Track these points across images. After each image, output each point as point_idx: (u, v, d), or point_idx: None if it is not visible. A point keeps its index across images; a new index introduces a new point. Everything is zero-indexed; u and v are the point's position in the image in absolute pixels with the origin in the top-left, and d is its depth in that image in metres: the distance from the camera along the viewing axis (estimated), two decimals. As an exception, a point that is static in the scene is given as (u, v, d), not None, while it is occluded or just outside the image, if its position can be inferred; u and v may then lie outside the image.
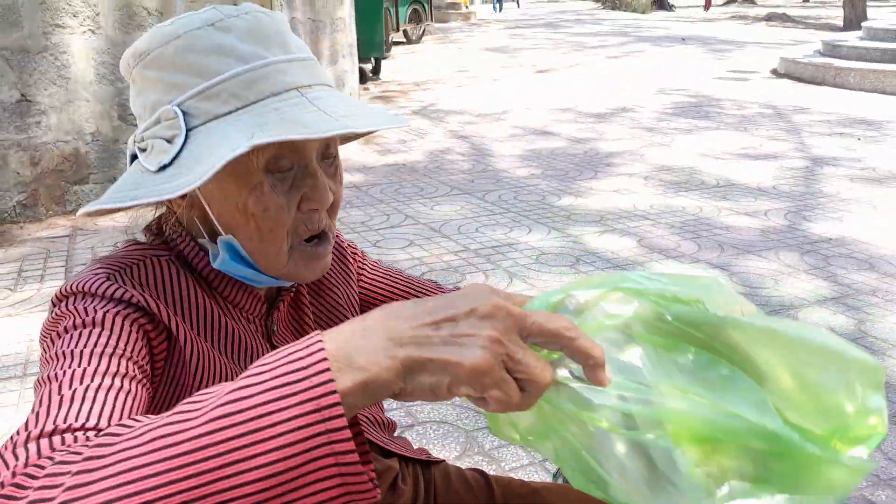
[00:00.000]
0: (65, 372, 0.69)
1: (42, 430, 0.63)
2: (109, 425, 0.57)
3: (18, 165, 4.04)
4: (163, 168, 0.75)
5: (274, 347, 0.92)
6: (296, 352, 0.51)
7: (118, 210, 0.95)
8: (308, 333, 0.95)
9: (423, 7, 13.26)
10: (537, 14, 23.80)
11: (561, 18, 20.71)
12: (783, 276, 3.17)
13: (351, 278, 1.04)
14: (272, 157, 0.77)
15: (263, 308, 0.91)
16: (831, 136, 6.03)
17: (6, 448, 0.61)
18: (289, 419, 0.48)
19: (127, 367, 0.72)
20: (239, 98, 0.74)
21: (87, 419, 0.65)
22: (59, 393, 0.67)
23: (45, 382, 0.70)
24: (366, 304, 1.06)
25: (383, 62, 9.82)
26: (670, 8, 24.89)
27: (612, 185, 4.66)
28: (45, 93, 4.08)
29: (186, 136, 0.75)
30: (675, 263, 3.30)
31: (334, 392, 0.48)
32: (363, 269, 1.08)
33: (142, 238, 0.89)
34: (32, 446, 0.61)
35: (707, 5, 23.77)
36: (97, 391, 0.68)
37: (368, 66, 9.37)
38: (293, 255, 0.82)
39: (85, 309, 0.75)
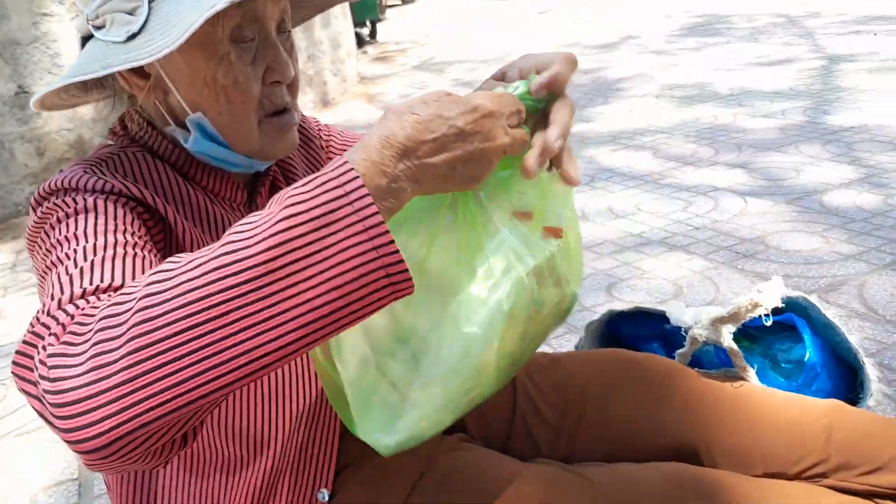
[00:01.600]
0: (74, 251, 0.66)
1: (72, 294, 0.60)
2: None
3: (26, 157, 4.06)
4: (132, 37, 0.73)
5: None
6: (331, 179, 0.56)
7: (81, 99, 0.92)
8: None
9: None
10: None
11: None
12: (805, 165, 3.06)
13: (319, 158, 1.02)
14: (236, 26, 0.75)
15: (244, 196, 0.88)
16: (846, 34, 5.80)
17: (35, 322, 0.59)
18: (343, 242, 0.54)
19: (134, 239, 0.70)
20: None
21: (113, 280, 0.63)
22: (76, 266, 0.64)
23: (52, 266, 0.66)
24: None
25: (379, 24, 9.70)
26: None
27: (623, 108, 4.54)
28: (42, 83, 4.07)
29: (150, 8, 0.73)
30: (693, 169, 3.21)
31: (376, 213, 0.55)
32: (331, 137, 1.06)
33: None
34: (69, 307, 0.58)
35: None
36: (114, 259, 0.65)
37: (365, 31, 9.26)
38: (263, 130, 0.80)
39: (74, 200, 0.72)
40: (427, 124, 0.61)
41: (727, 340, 1.10)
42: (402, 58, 8.01)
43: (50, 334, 0.56)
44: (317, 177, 0.57)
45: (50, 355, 0.53)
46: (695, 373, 1.05)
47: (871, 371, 1.24)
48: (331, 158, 1.01)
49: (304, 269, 0.53)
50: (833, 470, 0.97)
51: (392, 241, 0.55)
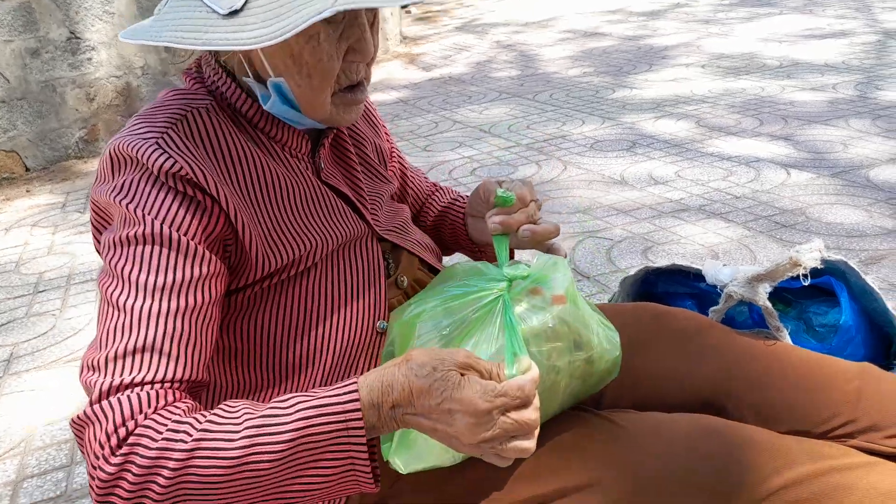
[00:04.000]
0: (135, 284, 0.75)
1: (117, 350, 0.72)
2: (177, 358, 0.73)
3: (76, 102, 4.14)
4: (233, 13, 0.73)
5: (323, 183, 0.93)
6: (340, 413, 0.70)
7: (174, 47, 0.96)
8: (355, 173, 0.97)
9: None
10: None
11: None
12: (853, 139, 3.00)
13: (379, 131, 1.09)
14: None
15: (309, 145, 0.92)
16: (906, 8, 5.61)
17: (90, 369, 0.73)
18: (336, 467, 0.71)
19: (192, 272, 0.76)
20: None
21: (161, 358, 0.74)
22: (132, 312, 0.74)
23: (110, 304, 0.75)
24: None
25: (425, -16, 9.59)
26: None
27: (668, 76, 4.46)
28: (93, 29, 4.14)
29: None
30: (735, 139, 3.16)
31: (363, 434, 0.70)
32: (388, 137, 1.13)
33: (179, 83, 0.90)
34: (114, 401, 0.71)
35: None
36: (167, 318, 0.74)
37: (410, -11, 9.18)
38: (334, 102, 0.84)
39: (144, 212, 0.76)
40: (422, 395, 0.70)
41: (763, 299, 1.11)
42: (447, 18, 7.94)
43: (106, 443, 0.69)
44: (331, 403, 0.70)
45: (100, 485, 0.69)
46: (727, 328, 1.06)
47: (906, 340, 1.23)
48: (392, 150, 1.12)
49: (305, 468, 0.70)
50: (860, 431, 0.97)
51: (369, 472, 0.71)
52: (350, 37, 0.81)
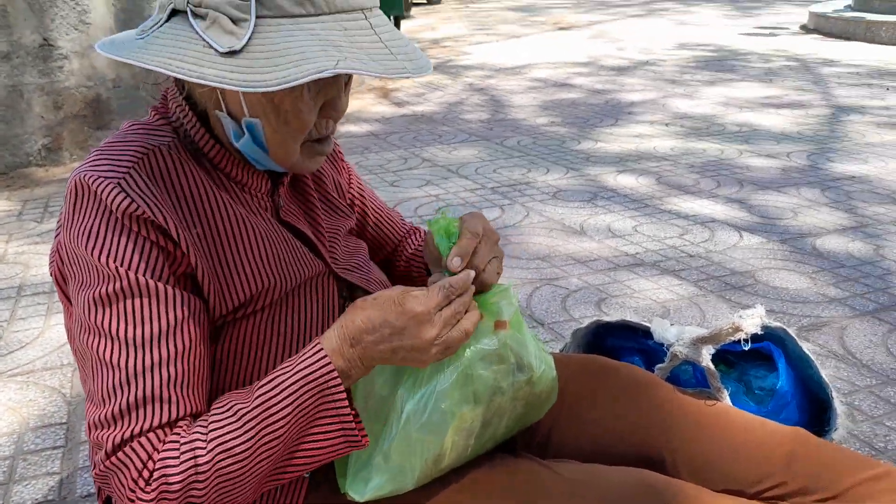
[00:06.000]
0: (123, 362, 0.78)
1: (118, 407, 0.78)
2: (172, 401, 0.78)
3: (42, 109, 4.09)
4: (231, 53, 0.74)
5: (282, 222, 0.95)
6: (312, 373, 0.81)
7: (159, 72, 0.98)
8: (314, 210, 1.00)
9: (444, -32, 13.07)
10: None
11: (585, -19, 20.31)
12: (803, 208, 3.13)
13: (337, 165, 1.13)
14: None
15: (268, 185, 0.95)
16: (859, 86, 5.89)
17: (98, 427, 0.79)
18: (326, 427, 0.82)
19: (175, 330, 0.80)
20: (312, 3, 0.75)
21: (154, 408, 0.79)
22: (118, 368, 0.78)
23: (102, 363, 0.79)
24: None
25: (403, 22, 9.75)
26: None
27: (632, 132, 4.61)
28: (67, 38, 4.11)
29: (255, 25, 0.74)
30: (693, 199, 3.28)
31: (344, 399, 0.81)
32: (346, 164, 1.17)
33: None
34: (128, 450, 0.77)
35: None
36: (153, 369, 0.78)
37: (388, 25, 9.31)
38: (302, 151, 0.88)
39: (116, 264, 0.78)
40: (371, 321, 0.81)
41: (706, 360, 1.16)
42: (421, 56, 8.06)
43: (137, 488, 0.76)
44: (303, 366, 0.81)
45: None
46: (670, 386, 1.10)
47: (839, 407, 1.30)
48: (350, 182, 1.16)
49: (303, 430, 0.81)
50: (791, 494, 1.02)
51: (349, 413, 0.81)
52: (328, 93, 0.85)
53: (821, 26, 9.29)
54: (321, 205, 1.04)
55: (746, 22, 10.35)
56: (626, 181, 3.57)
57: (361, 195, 1.18)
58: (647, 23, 10.62)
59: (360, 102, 5.63)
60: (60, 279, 0.89)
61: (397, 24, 9.52)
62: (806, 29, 9.50)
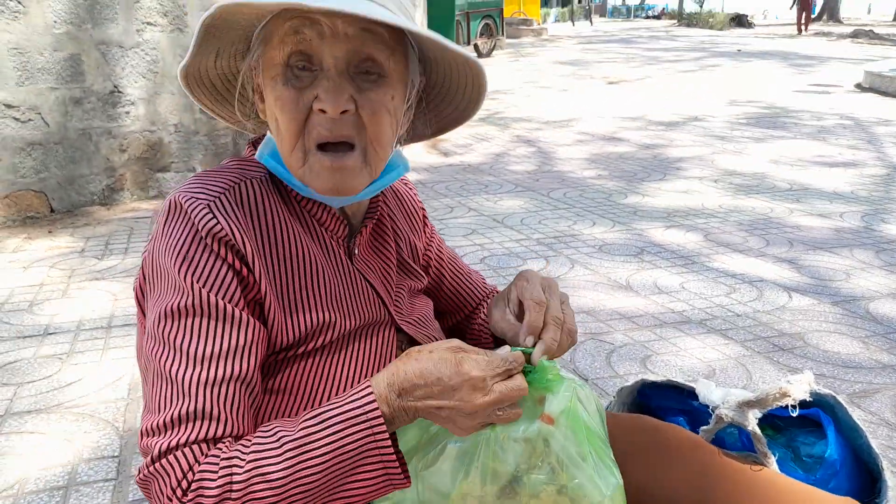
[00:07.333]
0: (181, 375, 0.81)
1: (170, 417, 0.80)
2: (227, 424, 0.80)
3: (108, 152, 4.29)
4: None
5: (354, 266, 0.98)
6: (358, 415, 0.80)
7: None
8: (388, 264, 1.02)
9: (495, 22, 13.39)
10: (610, 30, 23.66)
11: (634, 35, 20.53)
12: (856, 270, 3.07)
13: (418, 232, 1.14)
14: (291, 52, 0.84)
15: (345, 230, 0.97)
16: (915, 145, 5.79)
17: (148, 434, 0.81)
18: (370, 467, 0.80)
19: (236, 353, 0.83)
20: None
21: (211, 422, 0.81)
22: (181, 380, 0.81)
23: (161, 372, 0.82)
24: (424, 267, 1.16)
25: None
26: (749, 25, 24.33)
27: (680, 187, 4.60)
28: (135, 85, 4.33)
29: None
30: (741, 257, 3.24)
31: (388, 444, 0.79)
32: (430, 228, 1.17)
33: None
34: (171, 458, 0.79)
35: (803, 25, 21.78)
36: (213, 386, 0.81)
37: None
38: (307, 161, 0.88)
39: (193, 279, 0.83)
40: (424, 375, 0.80)
41: (752, 424, 1.15)
42: (471, 107, 8.21)
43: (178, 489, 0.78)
44: (353, 408, 0.80)
45: None
46: (716, 449, 1.10)
47: (890, 479, 1.26)
48: (430, 246, 1.16)
49: (344, 471, 0.79)
50: (838, 566, 1.00)
51: (392, 454, 0.80)
52: (318, 86, 0.84)
53: (876, 85, 9.19)
54: (395, 262, 1.06)
55: (800, 79, 10.29)
56: (673, 237, 3.56)
57: (440, 259, 1.19)
58: (697, 78, 10.65)
59: (408, 152, 5.74)
60: (140, 294, 0.93)
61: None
62: (861, 87, 9.41)
